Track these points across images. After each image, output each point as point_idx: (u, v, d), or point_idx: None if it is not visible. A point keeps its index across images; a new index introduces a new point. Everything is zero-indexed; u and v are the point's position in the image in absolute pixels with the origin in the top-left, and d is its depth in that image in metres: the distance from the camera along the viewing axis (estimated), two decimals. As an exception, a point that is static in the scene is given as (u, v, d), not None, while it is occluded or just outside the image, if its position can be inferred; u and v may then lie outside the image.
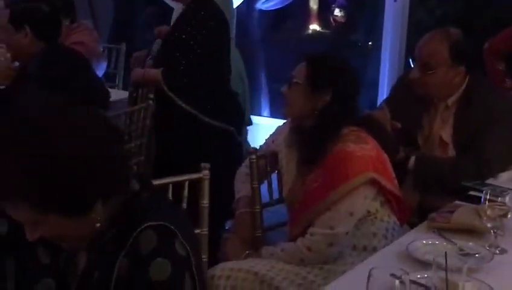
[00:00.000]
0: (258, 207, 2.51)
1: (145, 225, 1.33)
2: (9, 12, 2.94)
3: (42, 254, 1.46)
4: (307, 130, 2.35)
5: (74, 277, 1.44)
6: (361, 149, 2.26)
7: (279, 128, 2.59)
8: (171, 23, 3.53)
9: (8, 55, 3.04)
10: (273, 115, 5.40)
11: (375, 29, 5.73)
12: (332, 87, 2.32)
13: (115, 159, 1.35)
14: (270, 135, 2.62)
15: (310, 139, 2.33)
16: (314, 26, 7.33)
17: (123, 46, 4.67)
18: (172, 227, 1.34)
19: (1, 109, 2.97)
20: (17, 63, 3.62)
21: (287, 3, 5.09)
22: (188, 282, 1.34)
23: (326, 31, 7.60)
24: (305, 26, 7.16)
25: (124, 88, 4.29)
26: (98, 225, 1.34)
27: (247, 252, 2.42)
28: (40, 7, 2.98)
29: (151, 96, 3.27)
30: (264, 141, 2.65)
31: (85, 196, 1.30)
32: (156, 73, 3.21)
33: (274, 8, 4.81)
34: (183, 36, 3.13)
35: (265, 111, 5.87)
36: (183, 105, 3.17)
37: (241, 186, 2.57)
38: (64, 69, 2.94)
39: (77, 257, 1.44)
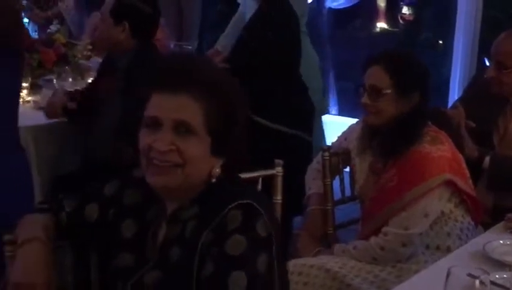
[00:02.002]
0: (330, 204, 2.52)
1: (235, 203, 1.38)
2: (112, 5, 2.93)
3: (126, 228, 1.52)
4: (387, 131, 2.33)
5: (153, 251, 1.48)
6: (438, 150, 2.25)
7: (351, 126, 2.59)
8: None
9: (64, 91, 3.10)
10: (341, 113, 5.37)
11: (446, 27, 5.63)
12: (419, 88, 2.30)
13: None
14: (343, 132, 2.63)
15: (388, 140, 2.31)
16: (382, 24, 7.27)
17: (194, 44, 4.73)
18: (258, 207, 1.39)
19: (87, 102, 3.09)
20: (95, 61, 3.78)
21: (356, 1, 5.06)
22: (264, 262, 1.36)
23: (395, 29, 7.53)
24: (373, 24, 7.11)
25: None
26: (213, 180, 1.43)
27: (318, 249, 2.44)
28: (143, 6, 2.97)
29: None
30: (336, 138, 2.65)
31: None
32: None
33: (344, 6, 4.81)
34: (256, 34, 3.17)
35: (333, 109, 5.85)
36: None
37: (312, 183, 2.58)
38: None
39: (158, 231, 1.49)
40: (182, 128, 1.38)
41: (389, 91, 2.29)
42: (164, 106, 1.40)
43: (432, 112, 2.43)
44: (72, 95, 3.14)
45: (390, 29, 7.39)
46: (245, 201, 1.39)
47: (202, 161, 1.42)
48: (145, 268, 1.47)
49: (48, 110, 3.12)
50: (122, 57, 2.95)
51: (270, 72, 3.25)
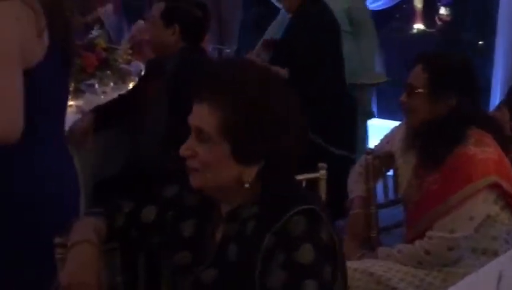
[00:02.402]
0: (373, 208, 2.51)
1: (298, 208, 1.39)
2: (163, 8, 2.99)
3: (185, 228, 1.54)
4: (427, 133, 2.31)
5: (211, 249, 1.50)
6: (483, 152, 2.22)
7: (394, 129, 2.57)
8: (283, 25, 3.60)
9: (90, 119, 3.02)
10: (380, 115, 5.30)
11: (486, 27, 5.56)
12: (456, 92, 2.27)
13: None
14: (385, 135, 2.61)
15: (430, 143, 2.29)
16: (419, 26, 7.21)
17: (233, 48, 4.74)
18: (320, 213, 1.40)
19: (135, 105, 3.11)
20: (135, 65, 3.81)
21: (395, 3, 5.03)
22: (329, 271, 1.38)
23: (432, 30, 7.46)
24: (410, 25, 7.05)
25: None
26: (246, 185, 1.42)
27: (362, 252, 2.42)
28: (194, 10, 3.03)
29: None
30: (379, 141, 2.63)
31: (259, 148, 1.40)
32: (282, 70, 3.20)
33: (382, 7, 4.77)
34: (296, 40, 3.16)
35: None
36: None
37: (355, 186, 2.57)
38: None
39: (216, 231, 1.51)
40: (200, 134, 1.42)
41: (422, 90, 2.28)
42: (193, 114, 1.45)
43: (483, 118, 2.39)
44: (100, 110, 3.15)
45: (427, 30, 7.32)
46: (309, 206, 1.40)
47: (220, 166, 1.42)
48: (202, 266, 1.48)
49: (74, 135, 2.94)
50: (170, 59, 2.99)
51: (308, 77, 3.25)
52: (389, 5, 4.68)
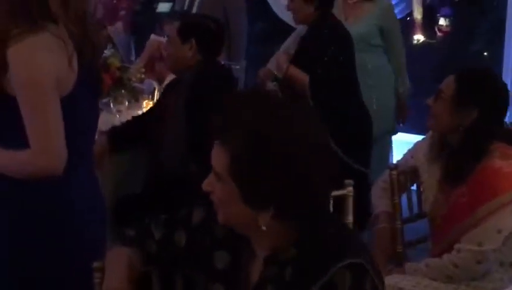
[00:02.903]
0: (399, 222, 2.51)
1: (345, 262, 1.34)
2: (179, 25, 3.07)
3: (218, 259, 1.51)
4: (451, 146, 2.33)
5: (246, 286, 1.47)
6: (509, 165, 2.24)
7: (418, 143, 2.58)
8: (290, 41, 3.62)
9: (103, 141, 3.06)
10: (402, 129, 5.15)
11: (492, 38, 5.58)
12: (479, 106, 2.29)
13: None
14: (409, 150, 2.62)
15: (455, 156, 2.31)
16: (419, 36, 7.24)
17: (242, 64, 4.75)
18: (366, 265, 1.36)
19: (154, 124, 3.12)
20: (148, 83, 3.83)
21: (404, 14, 5.04)
22: None
23: (432, 40, 7.49)
24: (410, 36, 7.08)
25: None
26: (263, 228, 1.36)
27: (389, 268, 2.43)
28: (208, 23, 3.13)
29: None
30: (402, 155, 2.65)
31: (271, 192, 1.33)
32: (303, 74, 3.22)
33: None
34: (312, 56, 3.17)
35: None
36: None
37: (379, 202, 2.57)
38: (217, 84, 3.03)
39: (253, 266, 1.47)
40: (215, 172, 1.39)
41: (447, 96, 2.33)
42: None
43: (499, 129, 2.41)
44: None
45: (427, 40, 7.35)
46: (356, 261, 1.35)
47: (231, 206, 1.39)
48: None
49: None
50: (187, 73, 3.07)
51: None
52: (402, 15, 4.72)
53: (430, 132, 2.50)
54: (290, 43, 3.77)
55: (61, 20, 1.75)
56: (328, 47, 3.20)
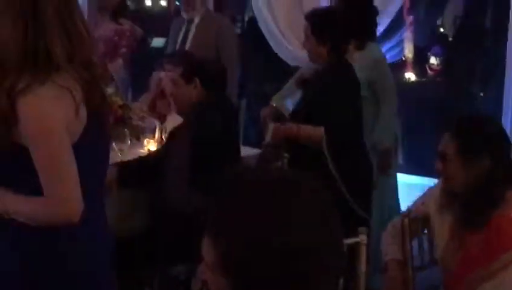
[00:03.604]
0: (410, 271, 2.49)
1: None
2: (182, 69, 3.18)
3: None
4: (465, 195, 2.32)
5: None
6: (527, 214, 2.22)
7: (429, 190, 2.57)
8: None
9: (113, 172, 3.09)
10: (407, 170, 5.06)
11: (487, 77, 5.61)
12: (489, 153, 2.28)
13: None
14: (419, 196, 2.60)
15: (469, 204, 2.30)
16: (410, 75, 7.31)
17: (243, 102, 4.75)
18: None
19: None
20: (149, 121, 3.80)
21: (400, 57, 5.07)
22: None
23: (422, 79, 7.56)
24: (401, 74, 7.14)
25: (244, 144, 4.34)
26: None
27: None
28: (210, 63, 3.35)
29: (287, 155, 3.29)
30: (413, 202, 2.63)
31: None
32: (315, 129, 3.16)
33: (389, 61, 4.82)
34: (325, 102, 3.17)
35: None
36: (333, 171, 3.15)
37: (389, 249, 2.55)
38: (220, 119, 3.11)
39: None
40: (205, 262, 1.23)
41: (454, 157, 2.29)
42: None
43: None
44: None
45: (418, 79, 7.42)
46: None
47: None
48: None
49: None
50: (192, 109, 3.15)
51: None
52: (396, 59, 4.73)
53: (441, 179, 2.48)
54: (303, 70, 3.79)
55: (66, 69, 1.74)
56: (341, 93, 3.18)
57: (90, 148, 1.82)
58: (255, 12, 4.96)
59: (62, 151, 1.72)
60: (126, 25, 4.93)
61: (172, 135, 3.28)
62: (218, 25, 4.76)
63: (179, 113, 3.29)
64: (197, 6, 4.75)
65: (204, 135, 3.03)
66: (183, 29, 4.79)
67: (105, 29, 4.87)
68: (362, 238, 2.27)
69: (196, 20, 4.76)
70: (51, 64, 1.71)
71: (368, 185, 3.37)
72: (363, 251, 2.26)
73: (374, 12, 3.86)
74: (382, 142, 3.74)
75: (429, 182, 3.02)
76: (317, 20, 3.25)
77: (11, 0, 1.70)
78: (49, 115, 1.70)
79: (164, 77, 3.87)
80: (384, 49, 4.64)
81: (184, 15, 4.80)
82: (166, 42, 5.21)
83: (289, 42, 4.77)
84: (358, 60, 3.56)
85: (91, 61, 1.82)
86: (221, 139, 3.07)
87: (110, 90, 3.72)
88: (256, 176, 1.24)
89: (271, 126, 3.34)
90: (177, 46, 4.76)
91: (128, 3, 6.74)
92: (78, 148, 1.76)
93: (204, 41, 4.63)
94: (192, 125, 3.10)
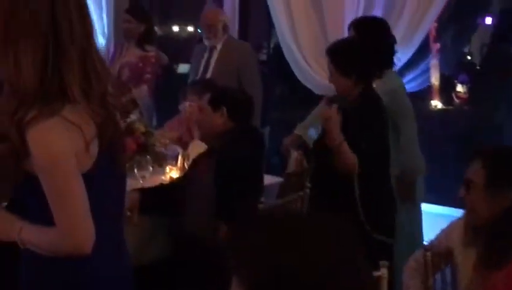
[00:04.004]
0: (432, 306, 2.44)
1: None
2: (210, 96, 3.24)
3: None
4: (489, 230, 2.28)
5: None
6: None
7: (452, 224, 2.52)
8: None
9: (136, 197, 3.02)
10: (430, 200, 4.90)
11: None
12: None
13: None
14: (442, 229, 2.56)
15: (493, 240, 2.25)
16: (436, 103, 7.26)
17: (266, 129, 4.74)
18: None
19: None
20: (172, 148, 3.81)
21: (424, 86, 5.02)
22: None
23: (449, 107, 7.52)
24: (427, 102, 7.10)
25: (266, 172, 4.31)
26: None
27: None
28: (237, 91, 3.46)
29: (309, 184, 3.26)
30: (436, 235, 2.59)
31: None
32: (353, 155, 3.06)
33: (412, 90, 4.78)
34: (354, 133, 3.14)
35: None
36: (357, 199, 3.11)
37: (411, 283, 2.50)
38: (246, 150, 3.14)
39: None
40: None
41: (480, 186, 2.26)
42: None
43: None
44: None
45: (444, 107, 7.37)
46: None
47: None
48: None
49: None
50: (217, 138, 3.18)
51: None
52: (421, 87, 4.69)
53: (465, 212, 2.44)
54: (312, 119, 3.77)
55: (81, 104, 1.73)
56: (370, 123, 3.15)
57: (102, 179, 1.80)
58: (279, 39, 4.96)
59: (70, 181, 1.70)
60: (152, 51, 4.98)
61: (195, 163, 3.28)
62: (240, 51, 4.80)
63: (203, 140, 3.31)
64: (218, 33, 4.79)
65: (229, 165, 3.05)
66: (205, 56, 4.83)
67: (131, 55, 4.92)
68: (383, 272, 2.23)
69: (218, 47, 4.81)
70: (64, 98, 1.70)
71: (391, 212, 3.33)
72: (385, 285, 2.22)
73: (391, 40, 3.81)
74: (404, 171, 3.69)
75: (454, 212, 2.97)
76: (338, 55, 3.22)
77: (34, 32, 1.69)
78: (56, 144, 1.69)
79: (188, 104, 3.90)
80: (410, 77, 4.61)
81: (206, 42, 4.85)
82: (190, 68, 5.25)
83: (314, 71, 4.75)
84: (376, 88, 3.54)
85: (106, 96, 1.81)
86: (246, 170, 3.10)
87: (133, 116, 3.76)
88: (283, 212, 1.24)
89: (293, 155, 3.32)
90: (199, 74, 4.79)
91: (156, 29, 6.81)
92: (88, 179, 1.75)
93: (227, 68, 4.66)
94: (217, 155, 3.11)
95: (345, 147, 3.02)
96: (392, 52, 3.82)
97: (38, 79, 1.68)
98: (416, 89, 4.69)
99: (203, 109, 3.24)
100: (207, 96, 3.25)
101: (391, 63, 3.82)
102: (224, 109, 3.17)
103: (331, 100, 3.42)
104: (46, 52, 1.68)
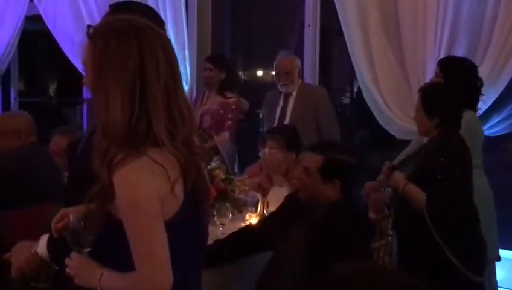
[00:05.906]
0: None
1: None
2: (321, 162, 2.82)
3: None
4: None
5: None
6: None
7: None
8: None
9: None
10: (507, 245, 4.73)
11: None
12: None
13: None
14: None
15: None
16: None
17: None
18: None
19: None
20: (251, 195, 3.80)
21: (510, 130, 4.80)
22: None
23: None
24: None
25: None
26: None
27: None
28: (350, 160, 2.84)
29: (391, 232, 3.17)
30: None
31: None
32: (420, 193, 3.07)
33: (499, 133, 4.60)
34: (431, 176, 3.08)
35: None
36: (438, 239, 3.04)
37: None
38: (347, 226, 2.73)
39: None
40: None
41: None
42: None
43: None
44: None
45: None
46: None
47: None
48: None
49: None
50: (319, 206, 2.83)
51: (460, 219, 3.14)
52: (507, 131, 4.50)
53: None
54: (409, 151, 3.70)
55: (166, 146, 1.75)
56: (448, 168, 3.09)
57: (186, 225, 1.81)
58: (359, 82, 4.91)
59: (151, 224, 1.71)
60: (232, 98, 5.03)
61: (288, 222, 2.98)
62: (316, 97, 4.77)
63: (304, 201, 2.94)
64: (295, 80, 4.78)
65: (328, 242, 2.66)
66: (280, 103, 4.82)
67: (212, 103, 5.00)
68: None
69: (294, 93, 4.79)
70: (151, 138, 1.73)
71: (478, 247, 3.21)
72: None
73: (479, 84, 3.81)
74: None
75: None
76: (427, 94, 3.30)
77: (123, 72, 1.73)
78: (140, 186, 1.70)
79: (268, 151, 3.89)
80: (495, 120, 4.46)
81: (282, 89, 4.83)
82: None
83: (394, 114, 4.67)
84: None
85: (191, 140, 1.83)
86: (344, 247, 2.62)
87: (213, 163, 3.79)
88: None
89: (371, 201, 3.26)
90: (276, 121, 4.78)
91: (240, 73, 6.91)
92: (173, 224, 1.75)
93: (304, 115, 4.64)
94: (318, 228, 2.76)
95: (410, 187, 3.13)
96: (479, 95, 3.78)
97: (126, 118, 1.72)
98: (501, 133, 4.51)
99: (311, 173, 2.83)
100: (317, 161, 2.83)
101: (475, 105, 3.77)
102: (338, 183, 2.79)
103: (393, 167, 3.36)
104: (133, 91, 1.72)
